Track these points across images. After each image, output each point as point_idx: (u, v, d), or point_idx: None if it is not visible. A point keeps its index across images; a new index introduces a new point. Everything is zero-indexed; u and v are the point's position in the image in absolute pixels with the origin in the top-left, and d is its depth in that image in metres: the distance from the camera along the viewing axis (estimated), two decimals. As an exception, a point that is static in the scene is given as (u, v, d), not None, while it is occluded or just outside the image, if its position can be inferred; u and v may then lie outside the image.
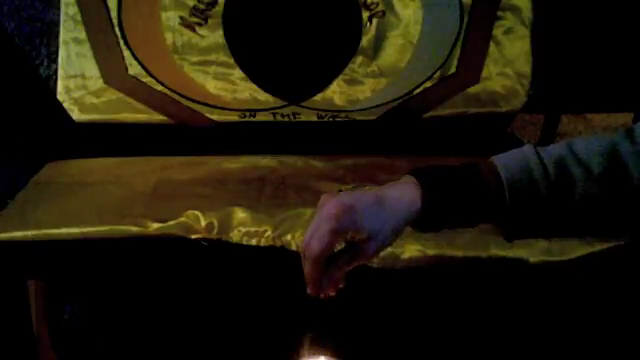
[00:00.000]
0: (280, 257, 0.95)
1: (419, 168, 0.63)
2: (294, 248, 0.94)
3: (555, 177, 0.59)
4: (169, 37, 1.24)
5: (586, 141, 0.61)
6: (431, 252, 0.93)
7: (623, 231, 0.88)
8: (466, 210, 0.61)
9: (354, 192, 0.62)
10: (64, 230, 0.95)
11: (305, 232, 0.61)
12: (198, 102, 1.26)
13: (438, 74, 1.28)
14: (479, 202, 0.61)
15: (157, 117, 1.26)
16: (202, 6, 1.23)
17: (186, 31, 1.24)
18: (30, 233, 0.95)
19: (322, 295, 0.64)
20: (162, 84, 1.25)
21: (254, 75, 1.26)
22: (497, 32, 1.27)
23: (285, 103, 1.27)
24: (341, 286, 0.65)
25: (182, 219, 0.96)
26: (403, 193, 0.61)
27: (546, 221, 0.61)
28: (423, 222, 0.62)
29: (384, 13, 1.26)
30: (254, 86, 1.27)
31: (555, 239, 0.93)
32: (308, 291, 0.63)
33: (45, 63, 1.28)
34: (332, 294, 0.64)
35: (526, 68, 1.28)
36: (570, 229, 0.64)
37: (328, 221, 0.59)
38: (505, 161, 0.61)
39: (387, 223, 0.60)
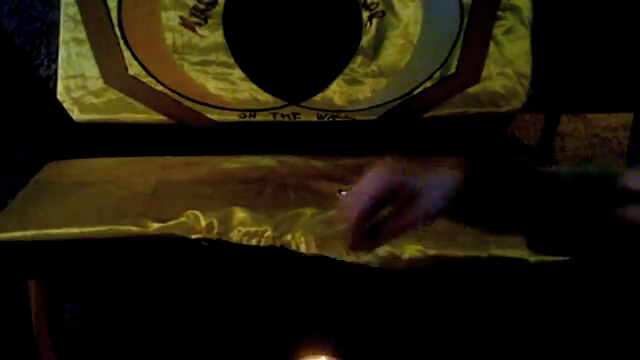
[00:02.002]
0: (280, 257, 0.95)
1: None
2: (294, 248, 0.94)
3: None
4: (169, 37, 1.24)
5: None
6: (431, 252, 0.93)
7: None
8: None
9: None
10: (64, 230, 0.95)
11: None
12: (198, 102, 1.26)
13: (438, 74, 1.28)
14: None
15: (157, 117, 1.26)
16: (202, 6, 1.23)
17: (186, 31, 1.24)
18: (30, 233, 0.95)
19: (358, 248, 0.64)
20: (162, 84, 1.25)
21: (254, 75, 1.26)
22: (497, 32, 1.27)
23: (285, 103, 1.27)
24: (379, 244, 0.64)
25: (182, 219, 0.96)
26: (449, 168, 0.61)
27: None
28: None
29: (384, 13, 1.26)
30: (254, 86, 1.27)
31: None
32: (348, 244, 0.63)
33: (45, 63, 1.28)
34: (367, 250, 0.64)
35: (526, 68, 1.28)
36: None
37: (374, 180, 0.60)
38: None
39: (432, 187, 0.61)
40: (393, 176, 0.61)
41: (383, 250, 0.92)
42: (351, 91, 1.28)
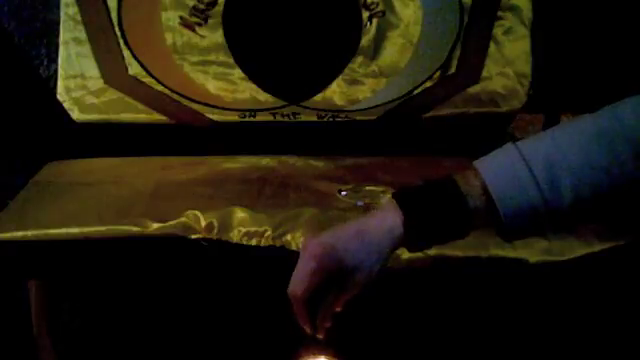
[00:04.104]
0: (280, 257, 0.95)
1: (400, 190, 0.64)
2: (294, 248, 0.94)
3: (548, 190, 0.59)
4: (169, 37, 1.24)
5: (569, 138, 0.60)
6: (431, 252, 0.93)
7: (624, 230, 0.88)
8: (451, 228, 0.62)
9: (334, 230, 0.64)
10: (64, 230, 0.95)
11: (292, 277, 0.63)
12: (198, 102, 1.26)
13: (438, 74, 1.28)
14: (464, 219, 0.61)
15: (157, 117, 1.26)
16: (202, 6, 1.23)
17: (186, 31, 1.24)
18: (30, 233, 0.95)
19: (319, 336, 0.66)
20: (162, 84, 1.25)
21: (254, 75, 1.26)
22: (497, 32, 1.27)
23: (285, 103, 1.27)
24: (328, 325, 0.67)
25: (182, 219, 0.96)
26: (383, 221, 0.62)
27: (543, 227, 0.61)
28: (410, 244, 0.62)
29: (384, 13, 1.26)
30: (254, 86, 1.27)
31: (555, 239, 0.94)
32: (307, 330, 0.66)
33: (45, 63, 1.27)
34: (320, 337, 0.66)
35: (526, 68, 1.28)
36: (568, 227, 0.64)
37: (309, 262, 0.61)
38: (492, 177, 0.60)
39: (369, 255, 0.62)
40: (330, 254, 0.61)
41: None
42: (351, 91, 1.28)
